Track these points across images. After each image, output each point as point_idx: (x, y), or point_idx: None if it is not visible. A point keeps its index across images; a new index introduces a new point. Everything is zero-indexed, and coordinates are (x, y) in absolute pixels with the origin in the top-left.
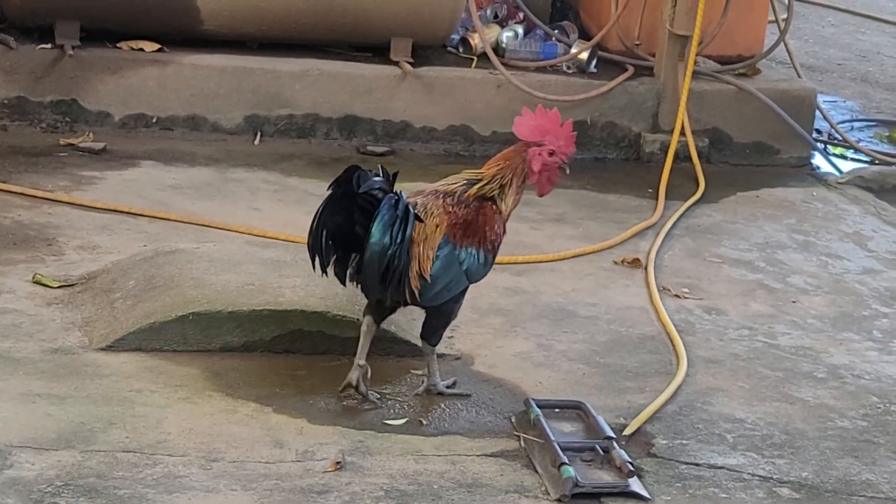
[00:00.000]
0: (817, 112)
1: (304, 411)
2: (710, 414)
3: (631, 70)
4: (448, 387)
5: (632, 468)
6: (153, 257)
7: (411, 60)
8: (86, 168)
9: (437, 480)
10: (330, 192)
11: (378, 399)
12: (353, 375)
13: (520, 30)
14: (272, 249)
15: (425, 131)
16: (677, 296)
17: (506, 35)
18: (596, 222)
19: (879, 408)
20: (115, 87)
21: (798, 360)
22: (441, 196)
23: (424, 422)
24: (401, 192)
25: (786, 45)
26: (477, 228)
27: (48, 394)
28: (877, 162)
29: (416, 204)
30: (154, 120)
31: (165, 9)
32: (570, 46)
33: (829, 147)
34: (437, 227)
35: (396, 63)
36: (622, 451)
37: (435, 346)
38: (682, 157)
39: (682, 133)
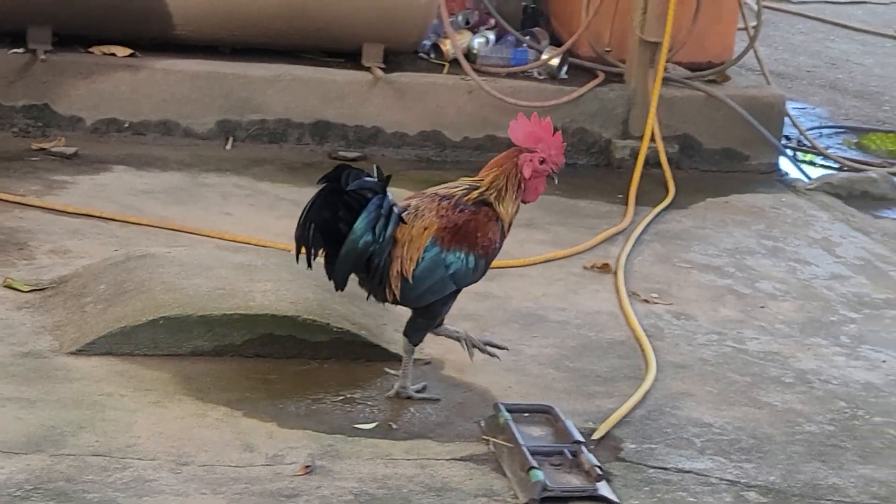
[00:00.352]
0: (786, 119)
1: (275, 415)
2: (679, 418)
3: (601, 76)
4: (418, 391)
5: (600, 472)
6: (124, 262)
7: (383, 66)
8: (57, 172)
9: (406, 484)
10: (320, 187)
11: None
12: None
13: (491, 36)
14: (243, 254)
15: (397, 137)
16: (647, 301)
17: (477, 41)
18: (566, 227)
19: (846, 412)
20: (88, 91)
21: (766, 364)
22: (438, 199)
23: (394, 426)
24: (389, 193)
25: (755, 52)
26: (468, 233)
27: (18, 398)
28: (845, 168)
29: (410, 206)
30: (126, 125)
31: (138, 14)
32: (541, 53)
33: (798, 153)
34: (424, 229)
35: (368, 68)
36: (591, 456)
37: (416, 344)
38: (652, 162)
39: (652, 139)
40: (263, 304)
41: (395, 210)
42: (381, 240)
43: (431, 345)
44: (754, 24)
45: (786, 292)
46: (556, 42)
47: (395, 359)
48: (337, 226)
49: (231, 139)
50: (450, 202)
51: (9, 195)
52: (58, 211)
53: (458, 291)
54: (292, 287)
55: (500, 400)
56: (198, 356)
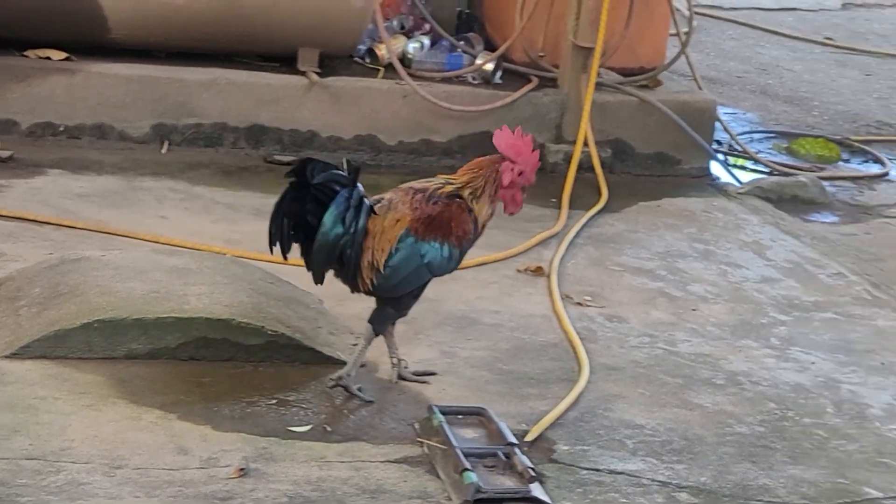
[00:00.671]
0: (718, 123)
1: (209, 418)
2: (611, 420)
3: (535, 81)
4: (357, 395)
5: (533, 474)
6: (59, 265)
7: (318, 70)
8: None
9: (340, 487)
10: (288, 182)
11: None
12: (395, 372)
13: (426, 41)
14: (178, 257)
15: (332, 140)
16: (579, 304)
17: (412, 46)
18: (499, 231)
19: (776, 414)
20: (22, 95)
21: (697, 366)
22: (412, 193)
23: (329, 428)
24: (359, 185)
25: (687, 57)
26: (441, 223)
27: None
28: (775, 173)
29: (383, 199)
30: (61, 128)
31: (73, 17)
32: (475, 58)
33: (729, 158)
34: (397, 221)
35: (304, 73)
36: (524, 457)
37: (378, 334)
38: (586, 167)
39: (586, 144)
40: (198, 307)
41: (367, 201)
42: (352, 231)
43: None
44: (686, 29)
45: (717, 295)
46: (490, 47)
47: (329, 362)
48: (307, 219)
49: (167, 143)
50: (423, 195)
51: None
52: None
53: (426, 284)
54: (227, 290)
55: (434, 402)
56: (132, 359)
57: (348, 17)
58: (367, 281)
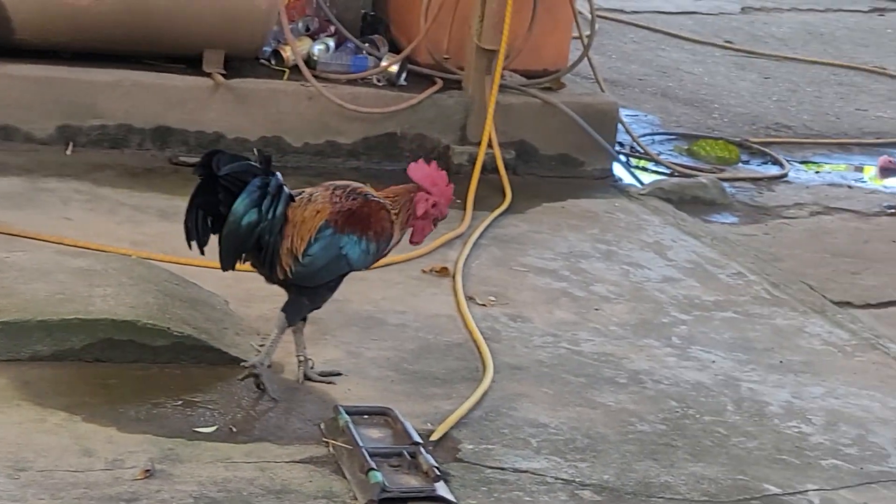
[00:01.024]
0: (620, 125)
1: (114, 420)
2: (516, 419)
3: (440, 83)
4: (266, 388)
5: (438, 473)
6: None
7: (224, 72)
8: None
9: (246, 487)
10: (198, 176)
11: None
12: (300, 371)
13: (331, 43)
14: (83, 259)
15: (238, 142)
16: (484, 304)
17: (317, 48)
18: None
19: (678, 412)
20: None
21: (600, 366)
22: (332, 188)
23: (235, 429)
24: (277, 173)
25: (589, 60)
26: (361, 218)
27: None
28: (676, 174)
29: (304, 192)
30: None
31: None
32: (380, 60)
33: (631, 159)
34: (317, 212)
35: (209, 74)
36: (429, 457)
37: (291, 324)
38: (490, 168)
39: (490, 145)
40: (103, 308)
41: (286, 190)
42: (270, 217)
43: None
44: (588, 32)
45: (619, 295)
46: (395, 49)
47: (236, 362)
48: (220, 211)
49: (72, 144)
50: (343, 191)
51: None
52: None
53: (343, 277)
54: (133, 292)
55: (340, 402)
56: (37, 361)
57: (253, 19)
58: (286, 268)
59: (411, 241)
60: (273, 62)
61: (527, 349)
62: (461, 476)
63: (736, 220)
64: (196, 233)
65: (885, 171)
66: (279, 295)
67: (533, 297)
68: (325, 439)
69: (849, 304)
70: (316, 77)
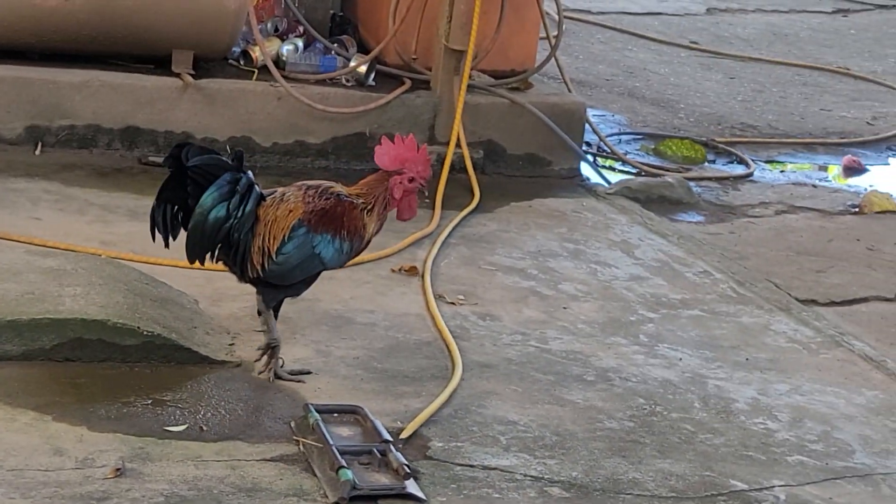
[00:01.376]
0: (587, 125)
1: (85, 419)
2: (485, 417)
3: (408, 83)
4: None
5: (408, 470)
6: None
7: (193, 72)
8: None
9: (217, 485)
10: (167, 168)
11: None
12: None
13: (300, 43)
14: (53, 258)
15: (207, 142)
16: (453, 303)
17: (286, 48)
18: None
19: (645, 409)
20: None
21: (569, 363)
22: (305, 188)
23: (205, 428)
24: (248, 171)
25: (557, 60)
26: (334, 217)
27: None
28: (643, 173)
29: (277, 192)
30: None
31: None
32: (349, 60)
33: (598, 159)
34: (290, 212)
35: (178, 75)
36: (399, 454)
37: (263, 309)
38: (458, 168)
39: (458, 145)
40: (73, 308)
41: (257, 188)
42: (239, 215)
43: (243, 347)
44: (556, 33)
45: (587, 293)
46: (363, 50)
47: (206, 361)
48: (188, 204)
49: (40, 144)
50: (316, 191)
51: None
52: None
53: (319, 273)
54: (103, 291)
55: (310, 401)
56: (6, 361)
57: (222, 19)
58: (258, 267)
59: (400, 219)
60: (242, 62)
61: (495, 347)
62: (431, 473)
63: (702, 218)
64: (163, 227)
65: (849, 171)
66: (249, 294)
67: (501, 295)
68: (295, 437)
69: (814, 301)
70: (285, 77)
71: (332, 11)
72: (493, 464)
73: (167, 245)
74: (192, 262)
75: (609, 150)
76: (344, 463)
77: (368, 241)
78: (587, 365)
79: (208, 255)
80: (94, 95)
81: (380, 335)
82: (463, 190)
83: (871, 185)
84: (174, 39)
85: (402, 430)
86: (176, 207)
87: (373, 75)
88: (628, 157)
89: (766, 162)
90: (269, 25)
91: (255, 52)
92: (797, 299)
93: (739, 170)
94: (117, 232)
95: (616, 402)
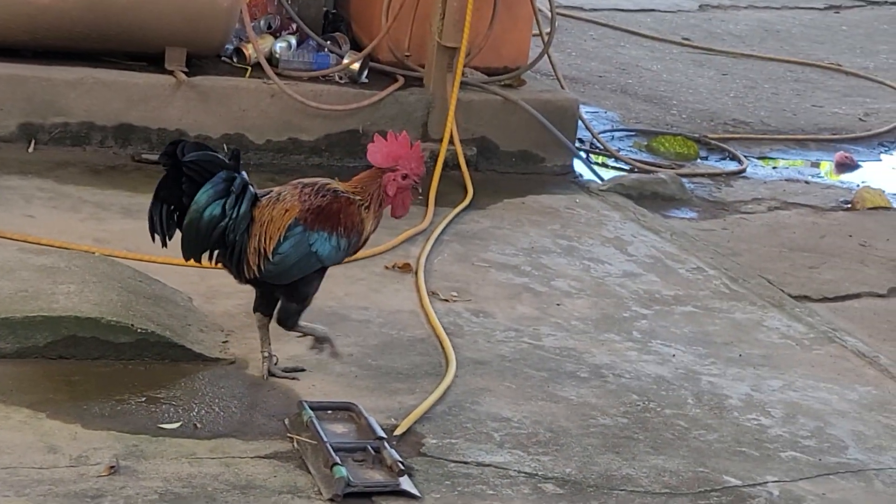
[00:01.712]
0: (580, 122)
1: (79, 416)
2: (479, 413)
3: (401, 81)
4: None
5: (402, 467)
6: None
7: (186, 70)
8: None
9: (211, 483)
10: (163, 165)
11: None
12: (264, 367)
13: (293, 41)
14: (47, 256)
15: (200, 139)
16: (446, 300)
17: (279, 46)
18: None
19: (639, 405)
20: None
21: (562, 360)
22: (300, 187)
23: (199, 425)
24: (243, 172)
25: (549, 57)
26: (330, 214)
27: None
28: (636, 170)
29: (272, 192)
30: None
31: None
32: (342, 57)
33: (591, 156)
34: (286, 211)
35: (171, 72)
36: (393, 451)
37: (290, 329)
38: (451, 165)
39: (451, 142)
40: (67, 305)
41: (252, 189)
42: (234, 216)
43: (236, 344)
44: (548, 30)
45: (580, 290)
46: (356, 47)
47: (199, 359)
48: (183, 203)
49: (34, 142)
50: (312, 188)
51: None
52: None
53: (322, 273)
54: (97, 289)
55: (304, 398)
56: (0, 359)
57: (215, 17)
58: (254, 267)
59: (394, 216)
60: (235, 60)
61: (489, 344)
62: (425, 470)
63: (695, 215)
64: (160, 226)
65: (841, 167)
66: (243, 291)
67: (495, 292)
68: (289, 435)
69: (806, 297)
70: (278, 75)
71: (325, 8)
72: (487, 460)
73: (165, 244)
74: (187, 259)
75: (602, 147)
76: (338, 460)
77: (367, 239)
78: (580, 361)
79: (205, 256)
80: (88, 93)
81: (374, 332)
82: (456, 187)
83: (863, 181)
84: (167, 37)
85: (396, 426)
86: (172, 206)
87: (366, 72)
88: (621, 153)
89: (759, 158)
90: (262, 23)
91: (249, 50)
92: (790, 295)
93: (732, 166)
94: (111, 229)
95: (609, 398)
